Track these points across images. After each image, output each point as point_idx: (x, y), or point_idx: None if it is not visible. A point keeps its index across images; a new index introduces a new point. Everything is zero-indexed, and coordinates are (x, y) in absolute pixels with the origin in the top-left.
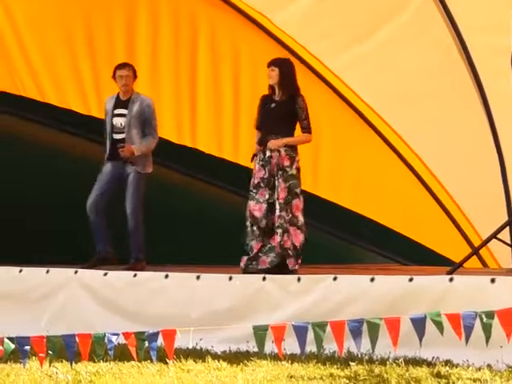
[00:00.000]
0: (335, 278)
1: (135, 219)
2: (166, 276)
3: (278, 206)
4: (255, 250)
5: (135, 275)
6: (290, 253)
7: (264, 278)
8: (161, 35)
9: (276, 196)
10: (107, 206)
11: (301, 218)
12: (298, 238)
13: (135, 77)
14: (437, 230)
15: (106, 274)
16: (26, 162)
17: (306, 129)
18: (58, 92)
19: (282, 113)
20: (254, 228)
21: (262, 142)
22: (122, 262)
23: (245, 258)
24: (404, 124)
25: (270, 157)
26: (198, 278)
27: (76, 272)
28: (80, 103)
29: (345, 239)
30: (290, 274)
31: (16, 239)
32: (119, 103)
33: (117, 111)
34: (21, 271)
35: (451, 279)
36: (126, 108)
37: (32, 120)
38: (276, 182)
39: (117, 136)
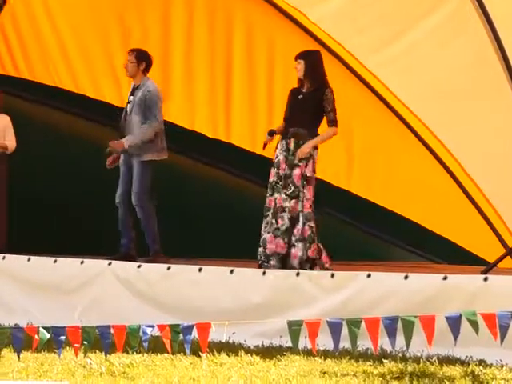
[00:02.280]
0: (369, 275)
1: (143, 210)
2: (200, 269)
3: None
4: (268, 245)
5: (169, 268)
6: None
7: (298, 274)
8: (196, 30)
9: (301, 208)
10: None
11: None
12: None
13: (140, 62)
14: (470, 230)
15: (139, 267)
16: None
17: (332, 122)
18: (93, 84)
19: (308, 105)
20: (273, 221)
21: (283, 133)
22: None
23: (260, 249)
24: (438, 122)
25: (290, 149)
26: (231, 272)
27: (110, 263)
28: (115, 95)
29: (379, 237)
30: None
31: (53, 231)
32: (132, 90)
33: (130, 98)
34: (55, 261)
35: (485, 279)
36: (133, 95)
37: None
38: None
39: (126, 123)
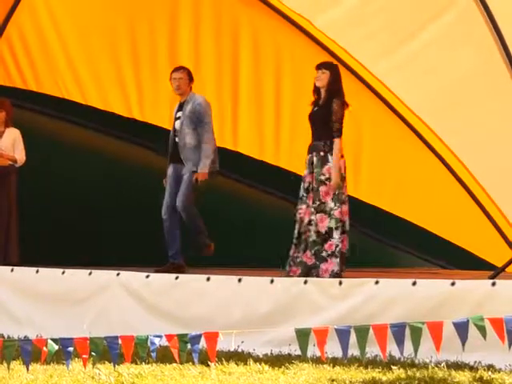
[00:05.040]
0: (377, 282)
1: (188, 213)
2: (208, 279)
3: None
4: (290, 254)
5: (177, 278)
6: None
7: (305, 282)
8: (203, 38)
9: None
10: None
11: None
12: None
13: (191, 80)
14: (479, 235)
15: (147, 277)
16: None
17: (336, 132)
18: (100, 95)
19: (320, 117)
20: (295, 231)
21: (309, 149)
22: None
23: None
24: (446, 128)
25: (313, 163)
26: (239, 280)
27: (118, 274)
28: (122, 106)
29: (387, 243)
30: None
31: (61, 241)
32: (179, 106)
33: (177, 114)
34: (63, 273)
35: (493, 283)
36: (181, 110)
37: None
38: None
39: (177, 139)
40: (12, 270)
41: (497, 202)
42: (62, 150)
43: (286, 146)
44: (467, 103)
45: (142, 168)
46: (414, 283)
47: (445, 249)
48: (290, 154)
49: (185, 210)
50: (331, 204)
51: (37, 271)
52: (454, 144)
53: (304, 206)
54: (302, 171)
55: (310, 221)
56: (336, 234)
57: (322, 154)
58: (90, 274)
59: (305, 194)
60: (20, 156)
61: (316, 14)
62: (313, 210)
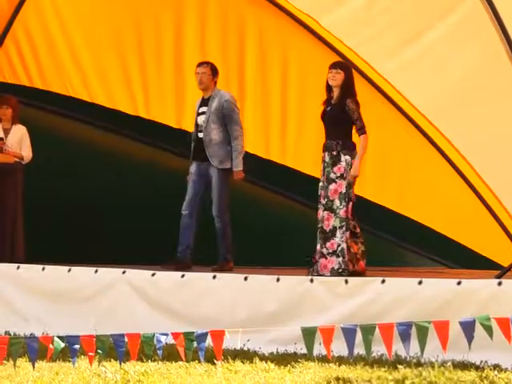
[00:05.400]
0: (383, 281)
1: (222, 220)
2: (214, 277)
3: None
4: (317, 252)
5: (183, 276)
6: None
7: (312, 280)
8: (209, 37)
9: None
10: (199, 207)
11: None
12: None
13: (214, 75)
14: (485, 234)
15: (153, 275)
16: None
17: (360, 129)
18: (106, 93)
19: (334, 116)
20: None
21: (323, 147)
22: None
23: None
24: (452, 127)
25: (325, 162)
26: (245, 279)
27: (124, 272)
28: (128, 104)
29: (393, 242)
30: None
31: (67, 240)
32: (203, 102)
33: (201, 110)
34: (69, 270)
35: (500, 283)
36: (207, 105)
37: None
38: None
39: (201, 134)
40: (18, 268)
41: (503, 201)
42: (68, 148)
43: (291, 145)
44: (473, 102)
45: (147, 166)
46: (420, 282)
47: (451, 248)
48: (296, 152)
49: (220, 217)
50: (337, 203)
51: (43, 269)
52: (460, 142)
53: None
54: (308, 170)
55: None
56: (339, 233)
57: (334, 153)
58: (96, 271)
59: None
60: (26, 153)
61: (322, 13)
62: (322, 206)
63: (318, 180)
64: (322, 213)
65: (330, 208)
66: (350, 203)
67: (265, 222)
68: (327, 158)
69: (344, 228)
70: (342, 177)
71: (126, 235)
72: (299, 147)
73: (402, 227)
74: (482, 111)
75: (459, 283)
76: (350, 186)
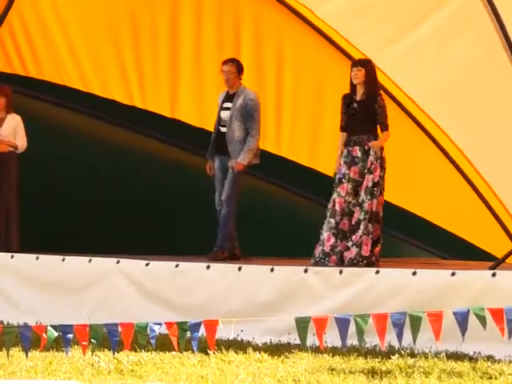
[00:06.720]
0: (377, 272)
1: (228, 206)
2: (208, 267)
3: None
4: (327, 243)
5: (177, 265)
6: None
7: (306, 270)
8: (204, 27)
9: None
10: None
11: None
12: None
13: (239, 72)
14: (480, 226)
15: (147, 265)
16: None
17: (383, 125)
18: (101, 82)
19: (364, 112)
20: (331, 220)
21: (346, 142)
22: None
23: (318, 248)
24: (447, 118)
25: (357, 157)
26: (239, 269)
27: (118, 262)
28: (123, 94)
29: (387, 233)
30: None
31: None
32: (227, 97)
33: (225, 105)
34: (63, 260)
35: (494, 274)
36: (232, 102)
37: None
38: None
39: (223, 129)
40: (12, 257)
41: (498, 194)
42: (63, 137)
43: (286, 135)
44: (468, 93)
45: (142, 156)
46: (415, 273)
47: (445, 239)
48: (291, 143)
49: (227, 204)
50: (363, 196)
51: (37, 258)
52: (455, 134)
53: (337, 196)
54: (302, 160)
55: (344, 210)
56: (362, 226)
57: (366, 148)
58: (90, 261)
59: (339, 184)
60: (21, 142)
61: (317, 4)
62: (354, 201)
63: (312, 170)
64: (353, 208)
65: (359, 202)
66: (380, 196)
67: (264, 211)
68: (359, 153)
69: (367, 220)
70: (371, 171)
71: (121, 224)
72: (294, 138)
73: (396, 218)
74: (476, 100)
75: (453, 274)
76: (381, 179)
